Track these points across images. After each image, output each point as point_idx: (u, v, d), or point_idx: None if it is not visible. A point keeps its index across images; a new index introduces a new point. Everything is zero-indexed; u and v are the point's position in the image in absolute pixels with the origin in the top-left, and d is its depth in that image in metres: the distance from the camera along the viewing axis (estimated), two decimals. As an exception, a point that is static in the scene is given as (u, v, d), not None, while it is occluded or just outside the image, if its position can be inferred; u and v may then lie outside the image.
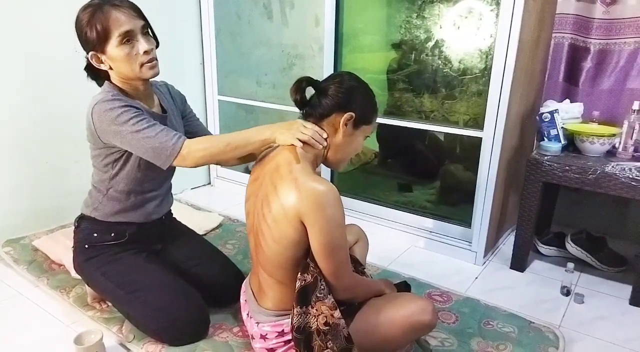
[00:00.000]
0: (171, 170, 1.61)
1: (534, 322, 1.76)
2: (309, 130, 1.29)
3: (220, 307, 1.76)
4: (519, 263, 2.17)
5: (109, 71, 1.48)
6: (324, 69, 2.54)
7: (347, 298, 1.33)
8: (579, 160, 1.94)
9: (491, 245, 2.31)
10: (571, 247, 2.19)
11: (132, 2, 1.45)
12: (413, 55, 2.45)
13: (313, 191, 1.18)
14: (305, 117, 1.37)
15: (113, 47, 1.40)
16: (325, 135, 1.32)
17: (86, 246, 1.64)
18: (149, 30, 1.48)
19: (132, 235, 1.65)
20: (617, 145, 2.00)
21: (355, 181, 3.04)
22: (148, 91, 1.57)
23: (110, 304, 1.75)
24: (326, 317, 1.24)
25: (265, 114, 3.16)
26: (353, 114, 1.30)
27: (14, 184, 2.28)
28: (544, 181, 2.00)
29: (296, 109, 1.39)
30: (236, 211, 2.78)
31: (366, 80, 1.40)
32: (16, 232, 2.30)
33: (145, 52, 1.43)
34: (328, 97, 1.31)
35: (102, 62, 1.45)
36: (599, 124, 2.12)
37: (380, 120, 2.45)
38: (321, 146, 1.31)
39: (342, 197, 2.64)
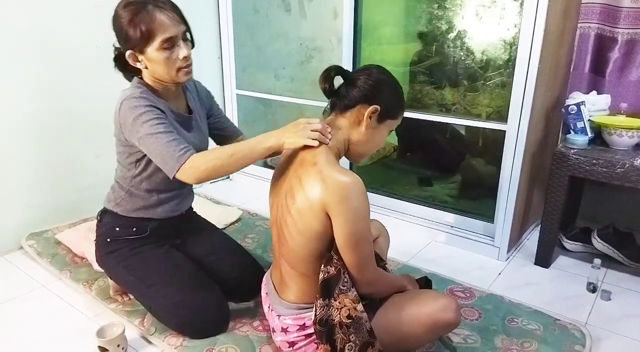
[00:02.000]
0: None
1: (559, 320, 1.72)
2: (317, 125, 1.26)
3: (241, 301, 1.76)
4: (543, 259, 2.13)
5: (143, 70, 1.47)
6: (342, 62, 2.51)
7: (369, 292, 1.31)
8: (606, 154, 1.88)
9: (515, 240, 2.26)
10: (597, 243, 2.14)
11: (175, 5, 1.43)
12: (434, 47, 2.41)
13: (338, 182, 1.17)
14: (331, 107, 1.35)
15: (153, 50, 1.39)
16: (329, 129, 1.29)
17: (108, 240, 1.64)
18: (189, 34, 1.47)
19: (154, 230, 1.65)
20: (646, 138, 1.94)
21: (375, 175, 3.02)
22: (178, 92, 1.57)
23: (132, 297, 1.76)
24: (349, 310, 1.23)
25: (283, 108, 3.15)
26: (378, 107, 1.28)
27: (36, 178, 2.30)
28: (570, 175, 1.95)
29: (314, 102, 1.37)
30: (256, 205, 2.78)
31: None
32: (39, 226, 2.33)
33: (184, 58, 1.43)
34: (355, 88, 1.29)
35: (138, 61, 1.44)
36: (627, 116, 2.07)
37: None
38: (327, 141, 1.28)
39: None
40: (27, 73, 2.19)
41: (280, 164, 1.40)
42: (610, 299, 1.88)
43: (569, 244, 2.24)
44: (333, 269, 1.23)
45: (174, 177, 1.36)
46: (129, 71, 1.51)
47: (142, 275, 1.59)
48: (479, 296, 1.87)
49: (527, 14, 1.89)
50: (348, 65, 2.53)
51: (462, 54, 2.31)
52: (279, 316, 1.38)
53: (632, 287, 1.97)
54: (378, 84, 1.29)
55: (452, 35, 2.30)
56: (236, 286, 1.72)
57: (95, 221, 1.72)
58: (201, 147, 1.53)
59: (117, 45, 1.47)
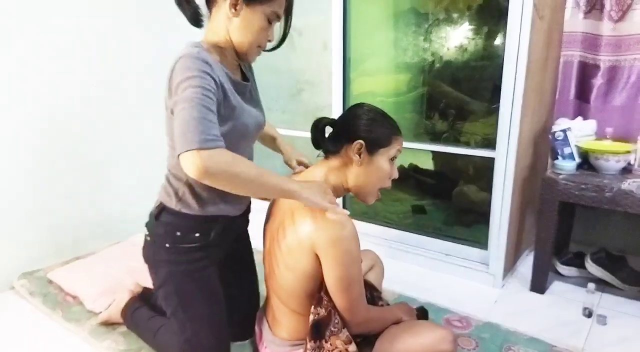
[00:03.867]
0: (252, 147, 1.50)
1: (556, 346, 1.71)
2: (331, 192, 1.26)
3: (241, 340, 1.71)
4: (538, 285, 2.13)
5: (223, 24, 1.31)
6: (333, 94, 2.56)
7: (362, 332, 1.30)
8: (594, 178, 1.91)
9: (509, 267, 2.26)
10: (591, 267, 2.14)
11: None
12: (421, 77, 2.46)
13: (329, 224, 1.17)
14: (325, 155, 1.37)
15: (262, 12, 1.29)
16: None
17: (167, 245, 1.42)
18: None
19: (216, 235, 1.45)
20: (632, 162, 1.97)
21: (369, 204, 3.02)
22: (235, 60, 1.42)
23: (123, 337, 1.73)
24: (341, 351, 1.21)
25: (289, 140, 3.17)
26: (362, 142, 1.28)
27: (28, 215, 2.29)
28: (560, 200, 1.97)
29: (305, 134, 1.40)
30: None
31: (375, 103, 1.40)
32: (31, 265, 2.31)
33: (269, 40, 1.36)
34: (336, 132, 1.32)
35: (236, 14, 1.28)
36: (613, 141, 2.10)
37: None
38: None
39: (356, 222, 2.62)
40: (21, 110, 2.20)
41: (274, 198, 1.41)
42: (606, 324, 1.88)
43: (563, 269, 2.25)
44: (323, 310, 1.22)
45: (181, 155, 1.12)
46: (197, 15, 1.33)
47: (187, 302, 1.46)
48: (476, 325, 1.86)
49: (510, 44, 1.94)
50: (338, 96, 2.58)
51: (448, 84, 2.36)
52: (272, 353, 1.36)
53: (627, 310, 1.97)
54: (354, 119, 1.31)
55: (438, 66, 2.35)
56: (240, 325, 1.65)
57: (152, 216, 1.46)
58: (259, 120, 1.44)
59: None
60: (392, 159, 1.35)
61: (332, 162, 1.33)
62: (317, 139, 1.34)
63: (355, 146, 1.28)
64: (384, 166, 1.32)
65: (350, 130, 1.30)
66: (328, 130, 1.37)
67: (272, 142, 1.70)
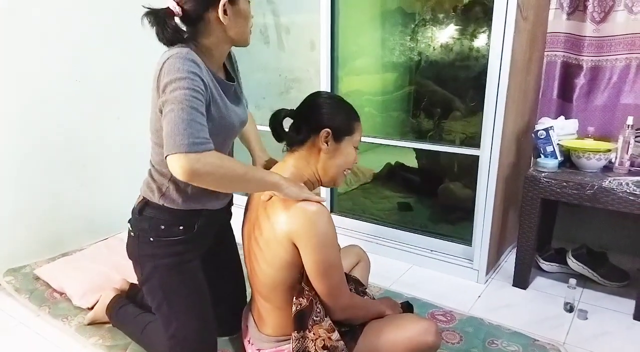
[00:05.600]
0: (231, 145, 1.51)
1: (538, 340, 1.75)
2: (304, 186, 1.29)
3: (227, 335, 1.74)
4: (521, 280, 2.17)
5: (214, 29, 1.31)
6: (321, 92, 2.57)
7: (346, 318, 1.32)
8: (576, 176, 1.95)
9: (493, 263, 2.30)
10: (572, 263, 2.19)
11: None
12: (408, 76, 2.49)
13: (303, 210, 1.19)
14: (290, 146, 1.37)
15: (243, 2, 1.33)
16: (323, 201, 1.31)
17: (151, 239, 1.43)
18: None
19: (200, 228, 1.46)
20: (613, 160, 2.01)
21: (355, 200, 3.05)
22: (222, 60, 1.43)
23: (110, 333, 1.74)
24: (324, 340, 1.24)
25: (262, 137, 3.18)
26: (329, 130, 1.30)
27: (14, 212, 2.29)
28: (542, 198, 2.01)
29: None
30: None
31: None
32: (18, 261, 2.30)
33: (251, 16, 1.39)
34: (300, 122, 1.33)
35: (227, 16, 1.29)
36: (594, 140, 2.14)
37: (377, 140, 2.48)
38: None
39: (343, 218, 2.64)
40: (7, 105, 2.19)
41: (250, 196, 1.42)
42: (587, 318, 1.92)
43: (545, 265, 2.29)
44: (305, 300, 1.24)
45: (169, 156, 1.14)
46: (178, 33, 1.30)
47: (172, 297, 1.47)
48: (460, 319, 1.90)
49: (494, 44, 1.97)
50: (326, 95, 2.60)
51: (434, 82, 2.39)
52: (259, 350, 1.38)
53: (607, 305, 2.02)
54: (317, 109, 1.33)
55: (424, 65, 2.38)
56: (227, 319, 1.66)
57: (135, 212, 1.48)
58: (242, 118, 1.46)
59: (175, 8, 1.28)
60: (356, 147, 1.38)
61: (298, 153, 1.35)
62: (278, 130, 1.35)
63: (322, 134, 1.30)
64: (350, 152, 1.36)
65: (315, 119, 1.32)
66: (286, 123, 1.37)
67: (247, 140, 1.71)
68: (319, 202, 1.23)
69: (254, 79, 3.05)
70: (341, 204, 2.87)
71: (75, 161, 2.46)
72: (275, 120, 1.34)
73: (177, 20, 1.29)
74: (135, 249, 1.48)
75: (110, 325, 1.80)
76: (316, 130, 1.30)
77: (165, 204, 1.40)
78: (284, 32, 2.82)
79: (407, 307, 1.60)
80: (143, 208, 1.44)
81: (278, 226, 1.21)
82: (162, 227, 1.42)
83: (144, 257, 1.46)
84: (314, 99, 1.37)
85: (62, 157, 2.42)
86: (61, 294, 2.06)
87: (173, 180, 1.38)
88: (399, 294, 2.09)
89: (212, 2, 1.27)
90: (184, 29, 1.30)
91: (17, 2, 2.16)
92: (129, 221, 1.50)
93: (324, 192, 2.67)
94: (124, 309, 1.77)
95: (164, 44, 1.29)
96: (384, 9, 2.63)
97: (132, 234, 1.49)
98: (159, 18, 1.26)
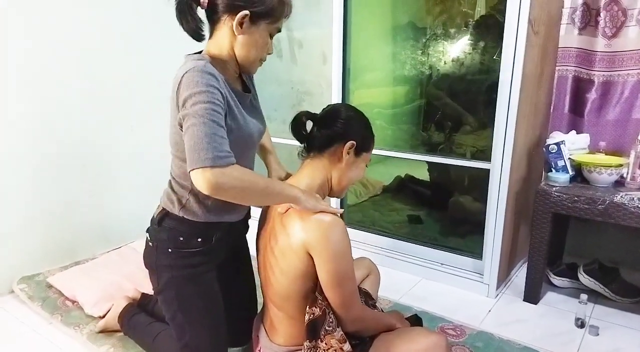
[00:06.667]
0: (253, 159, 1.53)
1: (549, 356, 1.74)
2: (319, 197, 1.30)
3: (239, 346, 1.73)
4: (532, 295, 2.16)
5: (227, 39, 1.33)
6: (332, 105, 2.60)
7: (357, 330, 1.33)
8: (587, 191, 1.95)
9: (503, 277, 2.29)
10: (584, 278, 2.17)
11: None
12: (419, 90, 2.51)
13: (318, 221, 1.21)
14: (308, 150, 1.40)
15: (265, 29, 1.33)
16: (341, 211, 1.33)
17: (169, 250, 1.44)
18: None
19: (218, 241, 1.47)
20: (624, 175, 2.01)
21: (365, 213, 3.06)
22: (236, 72, 1.45)
23: (121, 342, 1.75)
24: (336, 350, 1.24)
25: (275, 149, 3.21)
26: (354, 142, 1.34)
27: (28, 220, 2.32)
28: (553, 212, 2.00)
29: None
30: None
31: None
32: (31, 269, 2.33)
33: (269, 53, 1.41)
34: (329, 128, 1.35)
35: (242, 32, 1.30)
36: (606, 155, 2.14)
37: (387, 153, 2.49)
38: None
39: (353, 230, 2.64)
40: (21, 114, 2.22)
41: (266, 208, 1.44)
42: (598, 334, 1.90)
43: (556, 280, 2.28)
44: (318, 310, 1.25)
45: (193, 171, 1.16)
46: (200, 29, 1.32)
47: (187, 307, 1.48)
48: (470, 334, 1.89)
49: (505, 58, 1.99)
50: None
51: (445, 96, 2.40)
52: (269, 359, 1.39)
53: (619, 322, 2.00)
54: (349, 121, 1.36)
55: (435, 79, 2.40)
56: (238, 330, 1.65)
57: (155, 224, 1.48)
58: (260, 129, 1.48)
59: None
60: (367, 165, 1.44)
61: (316, 162, 1.37)
62: (301, 131, 1.38)
63: (348, 146, 1.33)
64: (362, 167, 1.43)
65: (344, 129, 1.34)
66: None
67: (263, 153, 1.72)
68: (335, 213, 1.25)
69: (266, 92, 3.08)
70: (351, 216, 2.88)
71: (89, 170, 2.49)
72: (298, 122, 1.37)
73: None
74: (153, 259, 1.49)
75: (122, 333, 1.82)
76: (341, 140, 1.33)
77: (185, 216, 1.41)
78: (296, 46, 2.86)
79: (416, 320, 1.60)
80: (162, 219, 1.45)
81: (294, 236, 1.23)
82: (181, 238, 1.42)
83: (162, 268, 1.47)
84: (343, 109, 1.39)
85: (75, 166, 2.45)
86: (73, 302, 2.08)
87: (193, 192, 1.39)
88: (408, 307, 2.09)
89: (236, 7, 1.28)
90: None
91: (34, 9, 2.21)
92: (147, 230, 1.51)
93: (334, 203, 2.68)
94: (136, 317, 1.78)
95: (189, 33, 1.31)
96: (396, 23, 2.66)
97: (150, 243, 1.49)
98: (183, 4, 1.28)
